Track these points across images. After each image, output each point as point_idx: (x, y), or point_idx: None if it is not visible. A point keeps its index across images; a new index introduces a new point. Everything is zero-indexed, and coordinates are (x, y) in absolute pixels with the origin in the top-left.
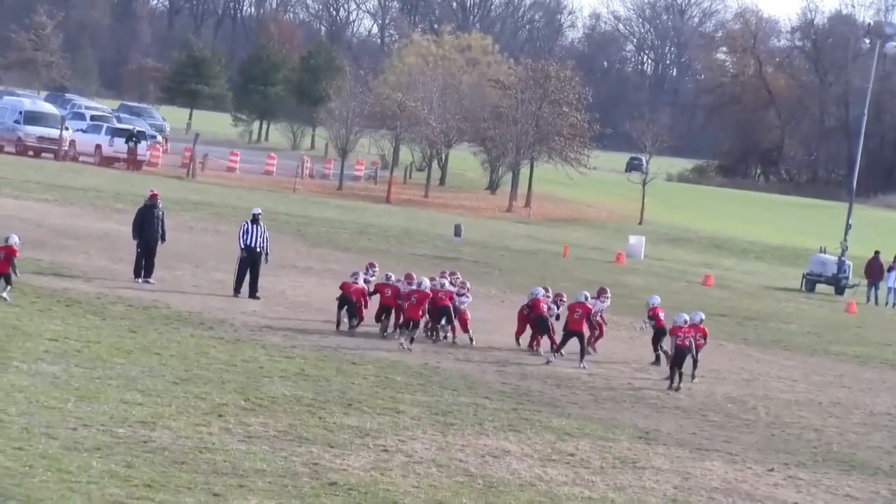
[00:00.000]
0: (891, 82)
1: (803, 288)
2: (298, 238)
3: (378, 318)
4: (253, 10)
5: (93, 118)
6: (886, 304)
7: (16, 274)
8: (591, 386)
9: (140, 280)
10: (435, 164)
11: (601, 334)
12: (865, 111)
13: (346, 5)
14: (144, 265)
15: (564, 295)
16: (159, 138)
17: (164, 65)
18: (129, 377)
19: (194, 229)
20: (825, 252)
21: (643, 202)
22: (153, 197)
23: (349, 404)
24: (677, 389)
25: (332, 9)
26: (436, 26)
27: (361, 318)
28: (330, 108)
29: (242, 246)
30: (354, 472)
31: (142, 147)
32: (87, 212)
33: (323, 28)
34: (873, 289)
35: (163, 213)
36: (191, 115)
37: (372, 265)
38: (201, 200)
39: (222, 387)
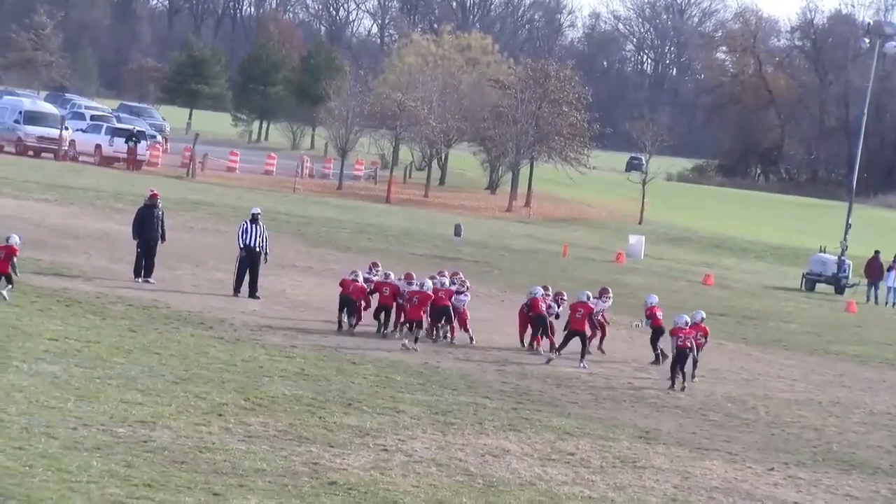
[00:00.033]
0: (891, 82)
1: (803, 287)
2: (298, 238)
3: (376, 317)
4: (253, 9)
5: (93, 118)
6: (886, 303)
7: (16, 273)
8: (591, 385)
9: (140, 280)
10: (435, 163)
11: (604, 334)
12: (865, 111)
13: (345, 5)
14: (144, 265)
15: (565, 294)
16: (159, 138)
17: (163, 65)
18: (129, 377)
19: (194, 229)
20: (825, 251)
21: (643, 202)
22: (153, 197)
23: (349, 404)
24: (682, 389)
25: (331, 8)
26: (435, 26)
27: (360, 318)
28: (330, 107)
29: (241, 246)
30: (354, 472)
31: (142, 147)
32: (87, 212)
33: (323, 28)
34: (873, 288)
35: (163, 213)
36: (191, 114)
37: (375, 264)
38: (201, 200)
39: (222, 386)
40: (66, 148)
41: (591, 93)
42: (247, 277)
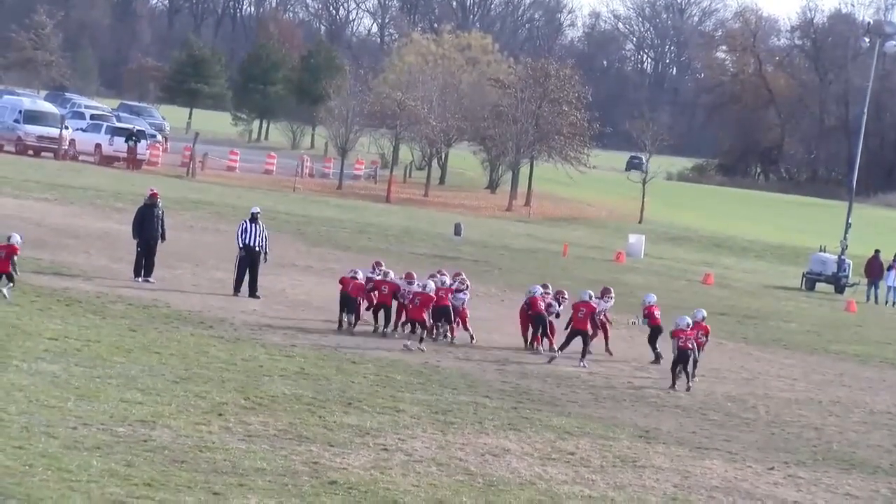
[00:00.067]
0: (890, 81)
1: (803, 287)
2: (298, 237)
3: (375, 315)
4: (253, 9)
5: (92, 117)
6: (886, 302)
7: (16, 272)
8: (591, 385)
9: (140, 279)
10: (435, 163)
11: (607, 334)
12: (865, 110)
13: (345, 4)
14: (144, 264)
15: (566, 292)
16: (159, 137)
17: (163, 64)
18: (129, 376)
19: (194, 228)
20: (825, 251)
21: (643, 201)
22: (153, 196)
23: (349, 403)
24: (687, 389)
25: (331, 8)
26: (435, 25)
27: (359, 317)
28: (330, 107)
29: (241, 245)
30: (354, 471)
31: (142, 146)
32: (86, 211)
33: (323, 27)
34: (873, 288)
35: (163, 213)
36: (190, 114)
37: (378, 263)
38: (201, 199)
39: (222, 386)
40: (66, 147)
41: (591, 92)
42: (247, 277)
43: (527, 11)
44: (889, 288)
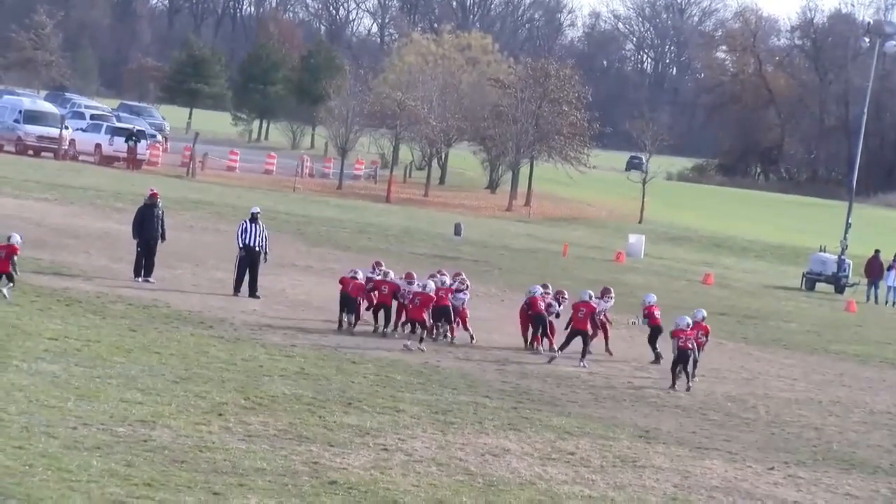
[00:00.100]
0: (891, 81)
1: (803, 287)
2: (298, 237)
3: (375, 315)
4: (253, 9)
5: (92, 117)
6: (886, 302)
7: (16, 272)
8: (591, 385)
9: (140, 279)
10: (435, 163)
11: (607, 334)
12: (865, 110)
13: (345, 4)
14: (144, 264)
15: (566, 292)
16: (159, 137)
17: (163, 64)
18: (129, 376)
19: (194, 228)
20: (825, 251)
21: (643, 201)
22: (153, 196)
23: (349, 403)
24: (687, 389)
25: (331, 8)
26: (435, 25)
27: (359, 317)
28: (330, 107)
29: (241, 245)
30: (354, 471)
31: (141, 146)
32: (86, 211)
33: (323, 27)
34: (873, 288)
35: (163, 213)
36: (190, 114)
37: (378, 263)
38: (201, 199)
39: (222, 386)
40: (66, 147)
41: (591, 92)
42: (247, 277)
43: (527, 11)
44: (889, 288)
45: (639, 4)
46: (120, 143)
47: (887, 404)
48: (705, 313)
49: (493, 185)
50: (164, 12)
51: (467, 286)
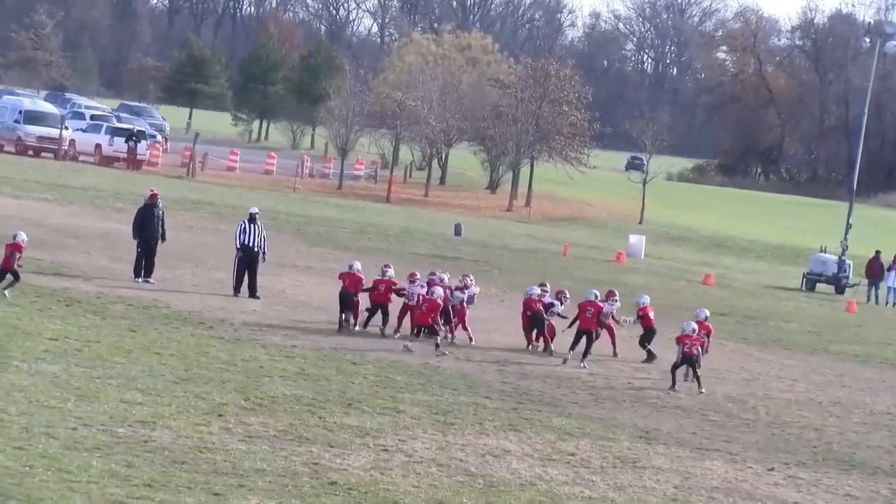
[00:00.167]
0: (891, 81)
1: (803, 287)
2: (298, 237)
3: (371, 314)
4: (253, 9)
5: (93, 118)
6: (887, 303)
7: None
8: (591, 385)
9: (140, 279)
10: (435, 163)
11: (613, 336)
12: (865, 110)
13: (345, 4)
14: (144, 265)
15: (567, 292)
16: (159, 138)
17: (163, 64)
18: (129, 377)
19: (194, 228)
20: (825, 251)
21: (643, 201)
22: (153, 196)
23: (349, 404)
24: (700, 392)
25: (331, 8)
26: (436, 25)
27: (357, 316)
28: (330, 107)
29: (238, 245)
30: (354, 472)
31: (142, 146)
32: (87, 211)
33: (323, 27)
34: (873, 288)
35: (163, 213)
36: (191, 114)
37: (387, 266)
38: (201, 200)
39: (222, 386)
40: (66, 147)
41: (592, 92)
42: (246, 277)
43: (527, 11)
44: (889, 289)
45: (639, 4)
46: (120, 144)
47: (887, 405)
48: (708, 313)
49: (493, 186)
50: (164, 12)
51: (466, 286)
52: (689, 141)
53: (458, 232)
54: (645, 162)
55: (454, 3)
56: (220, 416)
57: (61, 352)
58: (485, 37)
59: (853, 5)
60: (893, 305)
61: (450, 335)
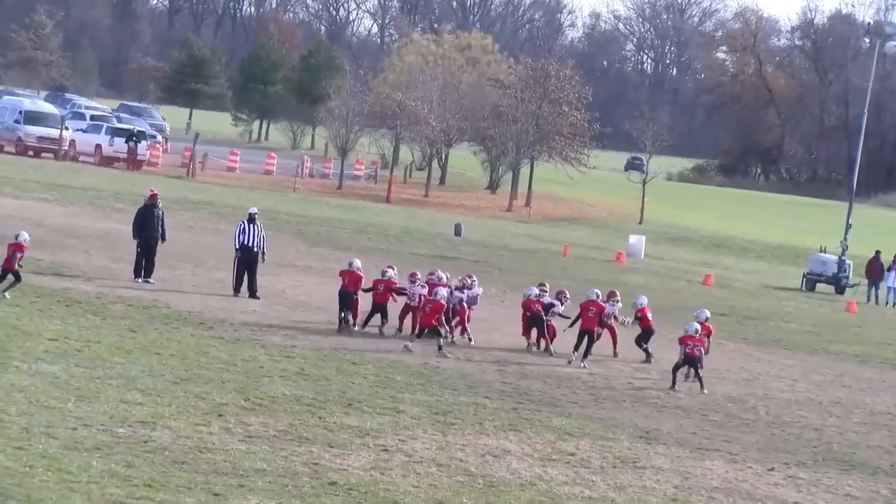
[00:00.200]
0: (891, 82)
1: (803, 287)
2: (298, 237)
3: (371, 314)
4: (253, 9)
5: (93, 118)
6: (887, 303)
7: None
8: (591, 385)
9: (140, 280)
10: (435, 163)
11: (615, 337)
12: (865, 110)
13: (345, 5)
14: (144, 265)
15: (567, 292)
16: (159, 138)
17: (164, 64)
18: (129, 377)
19: (194, 229)
20: (825, 251)
21: (643, 201)
22: (153, 196)
23: (349, 404)
24: (703, 392)
25: (331, 8)
26: (436, 25)
27: (356, 315)
28: (330, 107)
29: (237, 246)
30: (354, 472)
31: (142, 147)
32: (87, 211)
33: (323, 27)
34: (874, 288)
35: (163, 213)
36: (191, 114)
37: (391, 267)
38: (201, 200)
39: (222, 386)
40: (67, 148)
41: (591, 92)
42: (246, 277)
43: (527, 12)
44: (889, 289)
45: (639, 5)
46: (120, 144)
47: (887, 405)
48: (708, 314)
49: (493, 186)
50: (164, 12)
51: (466, 286)
52: (689, 141)
53: (458, 232)
54: (645, 162)
55: (454, 4)
56: (220, 416)
57: (61, 352)
58: (485, 37)
59: (853, 5)
60: (893, 305)
61: (450, 335)
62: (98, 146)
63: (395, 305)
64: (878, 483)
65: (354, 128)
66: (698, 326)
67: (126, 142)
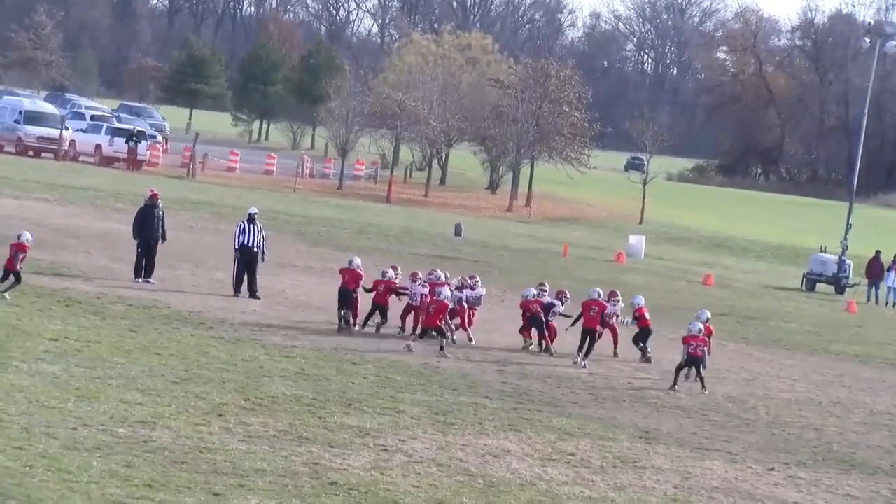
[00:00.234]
0: (891, 82)
1: (803, 287)
2: (298, 237)
3: (370, 314)
4: (253, 9)
5: (93, 118)
6: (887, 303)
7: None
8: (591, 385)
9: (140, 280)
10: (435, 163)
11: (616, 337)
12: (866, 110)
13: (346, 5)
14: (145, 265)
15: (567, 292)
16: (159, 138)
17: (164, 64)
18: (129, 377)
19: (194, 229)
20: (825, 251)
21: (643, 201)
22: (153, 196)
23: (349, 404)
24: (704, 392)
25: (331, 8)
26: (436, 25)
27: (356, 314)
28: (330, 107)
29: (237, 246)
30: (354, 472)
31: (142, 147)
32: (87, 211)
33: (323, 27)
34: (874, 288)
35: (163, 213)
36: (191, 114)
37: (394, 268)
38: (201, 200)
39: (222, 386)
40: (67, 148)
41: (592, 92)
42: (246, 277)
43: (527, 12)
44: (889, 289)
45: (639, 5)
46: (120, 144)
47: (887, 405)
48: (709, 314)
49: (493, 186)
50: (164, 12)
51: (465, 286)
52: (689, 141)
53: (458, 232)
54: (645, 162)
55: (454, 4)
56: (220, 416)
57: (61, 352)
58: (485, 37)
59: (853, 5)
60: (893, 305)
61: (450, 334)
62: (98, 146)
63: (396, 305)
64: (878, 483)
65: (354, 128)
66: (701, 326)
67: (126, 142)
